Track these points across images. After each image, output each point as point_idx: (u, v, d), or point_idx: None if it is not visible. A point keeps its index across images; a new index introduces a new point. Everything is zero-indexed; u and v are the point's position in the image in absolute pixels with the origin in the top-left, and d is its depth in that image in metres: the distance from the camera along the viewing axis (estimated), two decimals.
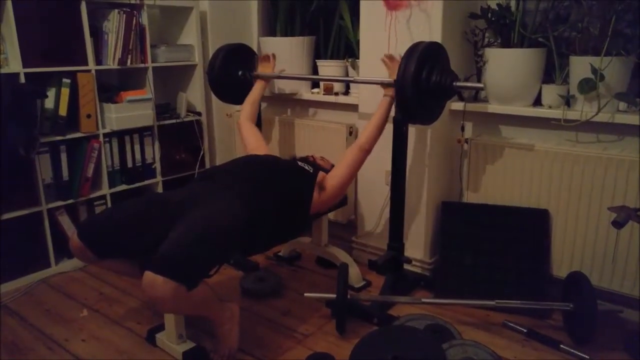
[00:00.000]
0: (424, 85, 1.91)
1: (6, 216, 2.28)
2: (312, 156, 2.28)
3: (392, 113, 2.08)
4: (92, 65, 2.45)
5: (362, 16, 2.36)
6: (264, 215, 1.86)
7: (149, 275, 1.51)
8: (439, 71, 1.93)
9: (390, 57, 2.10)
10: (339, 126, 2.64)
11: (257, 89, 2.58)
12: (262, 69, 2.63)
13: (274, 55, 2.63)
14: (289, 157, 2.41)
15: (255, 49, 2.94)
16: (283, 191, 1.96)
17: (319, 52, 2.88)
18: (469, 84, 2.14)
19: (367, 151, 2.06)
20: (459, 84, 1.95)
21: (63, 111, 2.37)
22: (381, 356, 1.62)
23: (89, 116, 2.47)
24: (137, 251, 1.76)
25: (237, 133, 2.61)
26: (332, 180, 2.05)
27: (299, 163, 2.19)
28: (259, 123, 2.76)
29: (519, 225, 2.19)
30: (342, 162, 2.07)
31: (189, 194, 1.88)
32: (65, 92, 2.36)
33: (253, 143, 2.38)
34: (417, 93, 1.90)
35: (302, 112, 2.94)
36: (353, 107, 2.61)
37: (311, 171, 2.12)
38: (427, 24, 2.16)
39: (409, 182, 2.24)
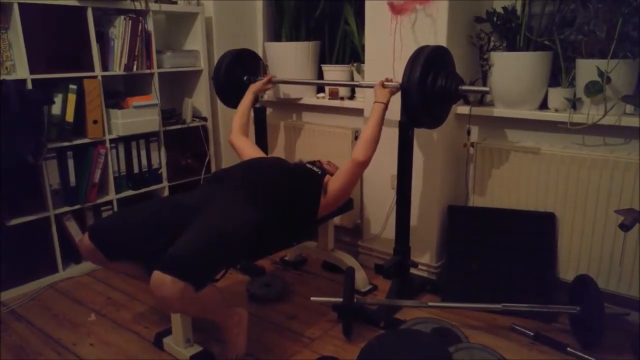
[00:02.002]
0: (430, 89, 1.92)
1: (14, 222, 2.30)
2: (319, 161, 2.28)
3: (398, 117, 2.08)
4: (98, 71, 2.47)
5: (367, 21, 2.37)
6: (273, 218, 1.87)
7: (157, 274, 1.52)
8: (445, 75, 1.93)
9: (382, 84, 2.07)
10: (345, 131, 2.65)
11: (247, 99, 2.51)
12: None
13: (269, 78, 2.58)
14: (297, 161, 2.40)
15: (260, 54, 2.95)
16: (292, 193, 1.96)
17: (324, 57, 2.89)
18: (474, 88, 2.14)
19: (360, 163, 1.98)
20: (464, 87, 1.96)
21: (70, 117, 2.39)
22: None
23: (95, 122, 2.48)
24: (147, 253, 1.76)
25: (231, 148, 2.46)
26: (332, 183, 2.04)
27: (307, 165, 2.19)
28: (264, 128, 2.78)
29: (525, 229, 2.18)
30: (341, 169, 2.05)
31: (200, 197, 1.89)
32: (72, 98, 2.38)
33: (250, 152, 2.31)
34: (423, 97, 1.90)
35: (308, 116, 2.95)
36: (358, 112, 2.62)
37: (319, 172, 2.12)
38: (433, 28, 2.16)
39: (414, 186, 2.23)
